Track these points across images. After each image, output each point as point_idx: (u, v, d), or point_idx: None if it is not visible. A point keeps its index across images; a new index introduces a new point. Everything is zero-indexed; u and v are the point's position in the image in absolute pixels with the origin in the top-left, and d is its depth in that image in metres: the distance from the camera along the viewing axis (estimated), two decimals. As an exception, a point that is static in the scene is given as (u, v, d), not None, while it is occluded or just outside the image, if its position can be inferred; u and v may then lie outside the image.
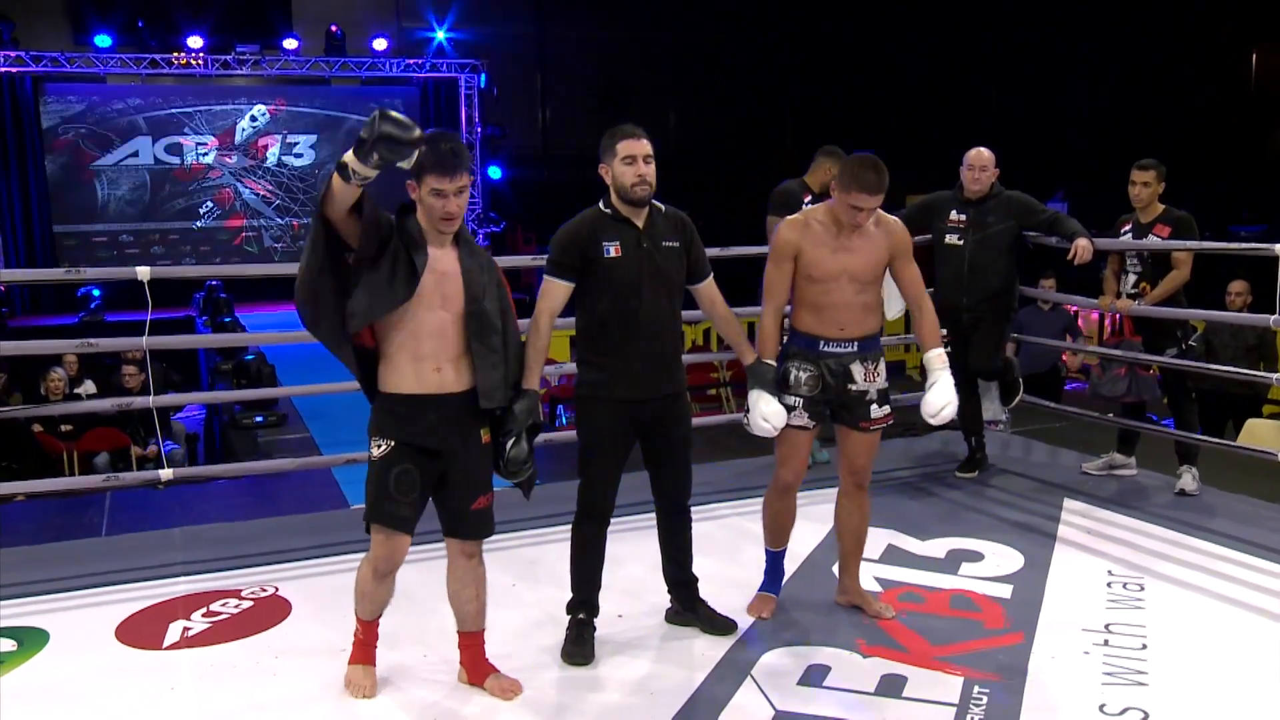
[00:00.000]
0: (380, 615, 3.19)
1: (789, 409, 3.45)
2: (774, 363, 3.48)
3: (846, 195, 3.35)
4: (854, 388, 3.49)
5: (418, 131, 2.66)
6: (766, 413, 3.38)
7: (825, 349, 3.47)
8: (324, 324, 2.94)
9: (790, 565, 3.98)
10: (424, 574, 3.73)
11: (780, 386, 3.47)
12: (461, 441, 3.03)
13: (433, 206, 2.92)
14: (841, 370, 3.48)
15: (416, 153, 2.71)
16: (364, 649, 3.20)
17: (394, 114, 2.63)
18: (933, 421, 3.50)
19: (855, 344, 3.48)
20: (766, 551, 3.74)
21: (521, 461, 3.08)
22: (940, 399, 3.45)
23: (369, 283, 2.89)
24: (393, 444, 2.97)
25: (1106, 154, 14.42)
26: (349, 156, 2.67)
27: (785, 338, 3.61)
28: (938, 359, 3.50)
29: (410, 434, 2.97)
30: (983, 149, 5.12)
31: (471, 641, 3.22)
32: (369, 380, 3.05)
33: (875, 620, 3.60)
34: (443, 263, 2.98)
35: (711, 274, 3.50)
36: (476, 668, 3.21)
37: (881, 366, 3.56)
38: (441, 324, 2.97)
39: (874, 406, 3.53)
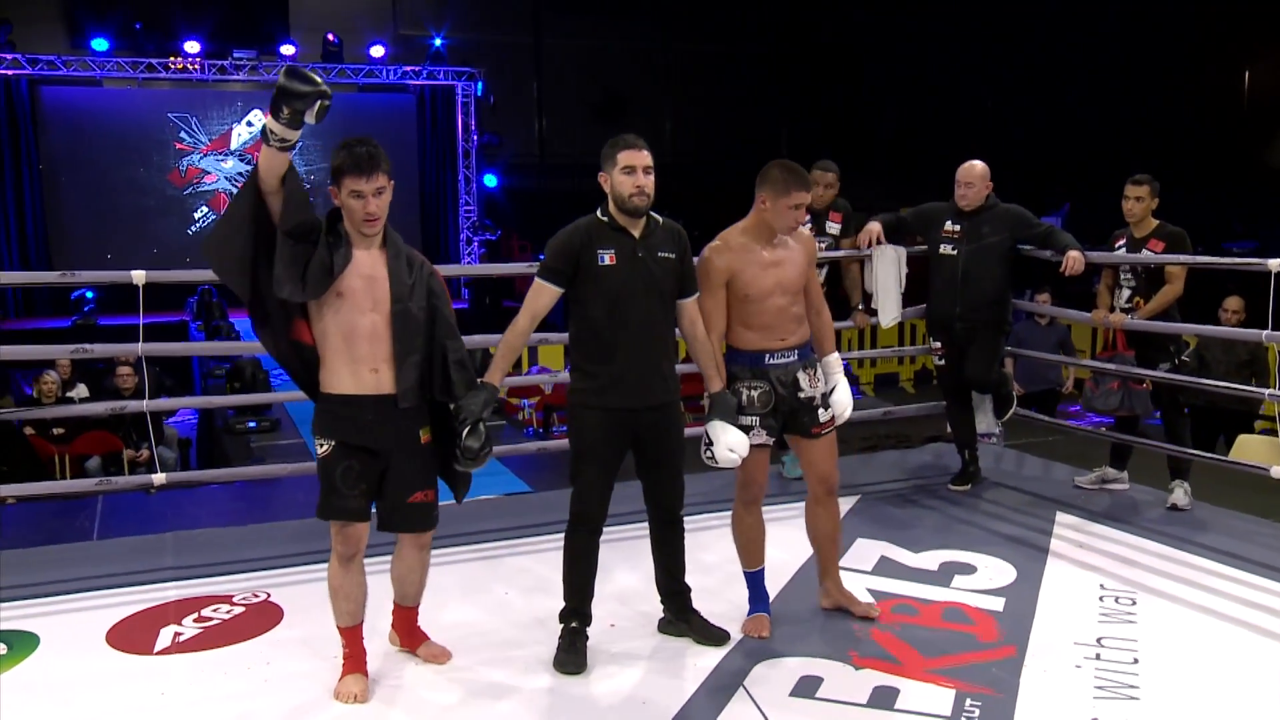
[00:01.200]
0: (359, 621, 3.20)
1: (746, 429, 3.48)
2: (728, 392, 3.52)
3: (786, 198, 3.44)
4: (803, 395, 3.58)
5: (319, 81, 2.76)
6: (732, 443, 3.41)
7: (771, 361, 3.55)
8: (235, 274, 2.99)
9: (782, 577, 3.99)
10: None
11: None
12: (398, 442, 3.11)
13: (353, 209, 3.01)
14: (790, 380, 3.57)
15: (319, 104, 2.77)
16: (353, 660, 3.21)
17: (295, 67, 2.78)
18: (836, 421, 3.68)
19: (796, 352, 3.58)
20: (745, 574, 3.72)
21: (476, 450, 3.12)
22: (842, 400, 3.67)
23: (293, 258, 2.93)
24: (334, 444, 3.08)
25: (1101, 170, 14.49)
26: (266, 119, 2.80)
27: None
28: (835, 363, 3.70)
29: (349, 434, 3.07)
30: (974, 163, 5.13)
31: (409, 614, 3.42)
32: (309, 377, 3.13)
33: (868, 631, 3.60)
34: (370, 266, 3.06)
35: (697, 293, 3.48)
36: (410, 635, 3.42)
37: (819, 371, 3.66)
38: (374, 326, 3.05)
39: (820, 411, 3.63)
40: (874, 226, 5.36)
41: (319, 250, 2.96)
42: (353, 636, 3.20)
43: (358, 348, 3.04)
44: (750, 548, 3.69)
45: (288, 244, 2.92)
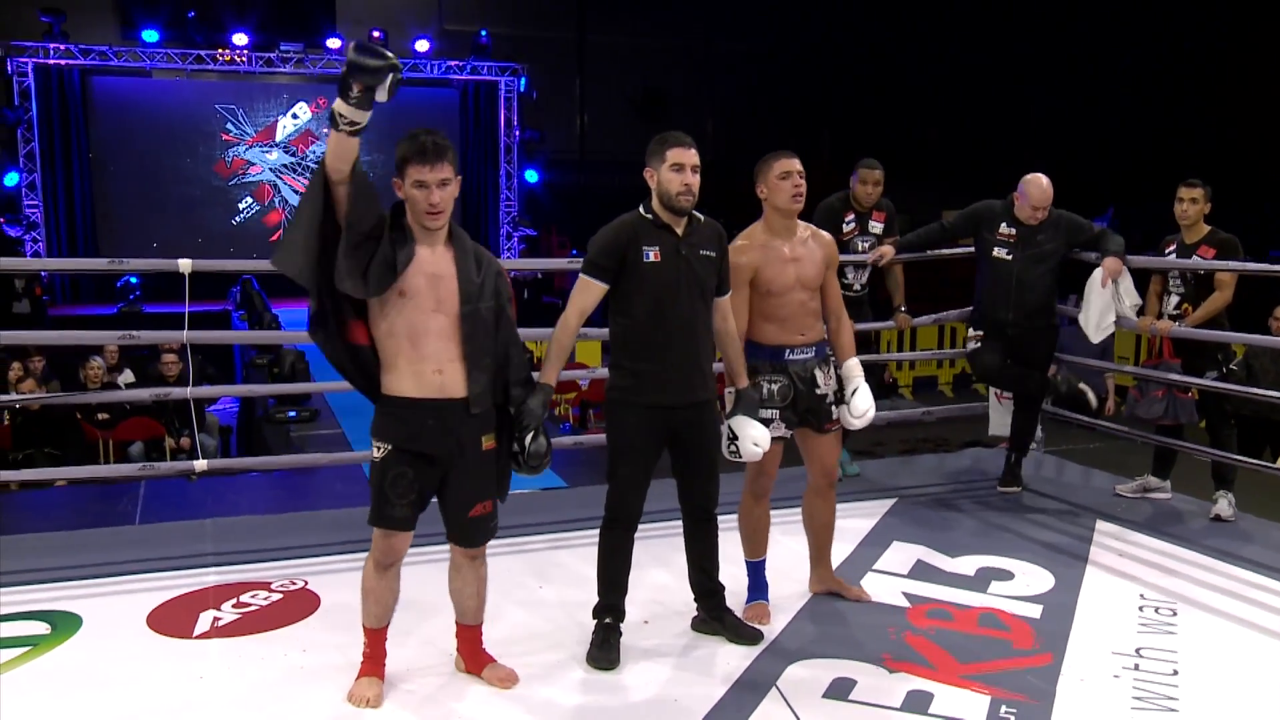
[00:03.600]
0: (386, 624, 3.15)
1: (766, 422, 3.52)
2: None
3: (772, 171, 3.56)
4: (818, 391, 3.65)
5: (389, 54, 2.66)
6: (757, 437, 3.44)
7: (790, 357, 3.62)
8: (307, 272, 2.89)
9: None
10: (426, 576, 3.71)
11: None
12: (460, 449, 3.01)
13: (416, 199, 2.90)
14: (808, 376, 3.63)
15: (391, 78, 2.67)
16: (372, 662, 3.15)
17: (364, 42, 2.67)
18: (856, 424, 3.70)
19: (814, 349, 3.64)
20: (748, 563, 3.78)
21: (542, 455, 3.08)
22: (864, 403, 3.67)
23: (356, 252, 2.83)
24: (390, 448, 2.98)
25: (1146, 176, 14.29)
26: (336, 103, 2.70)
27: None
28: (856, 367, 3.71)
29: (407, 439, 2.97)
30: (1045, 183, 4.95)
31: (470, 634, 3.26)
32: (369, 379, 3.04)
33: (902, 634, 3.58)
34: (435, 264, 2.95)
35: (730, 292, 3.49)
36: (475, 658, 3.26)
37: (833, 369, 3.71)
38: (440, 327, 2.95)
39: (833, 408, 3.69)
40: (887, 249, 5.29)
41: (382, 245, 2.85)
42: (376, 638, 3.14)
43: (422, 348, 2.93)
44: (756, 538, 3.76)
45: (351, 236, 2.81)
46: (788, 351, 3.61)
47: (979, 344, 5.15)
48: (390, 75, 2.66)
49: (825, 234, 3.75)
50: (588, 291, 3.32)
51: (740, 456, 3.47)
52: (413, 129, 2.91)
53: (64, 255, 16.22)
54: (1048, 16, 18.41)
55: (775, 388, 3.59)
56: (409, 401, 2.96)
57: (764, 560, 3.78)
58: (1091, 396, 5.00)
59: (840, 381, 3.72)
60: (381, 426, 3.01)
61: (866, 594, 3.89)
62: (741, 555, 3.80)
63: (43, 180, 16.39)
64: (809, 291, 3.63)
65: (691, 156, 3.26)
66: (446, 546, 3.19)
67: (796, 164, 3.59)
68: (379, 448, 3.00)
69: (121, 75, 17.02)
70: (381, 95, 2.69)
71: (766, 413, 3.56)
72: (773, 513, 3.82)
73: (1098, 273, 5.07)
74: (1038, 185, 4.98)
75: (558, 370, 3.30)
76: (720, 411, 3.52)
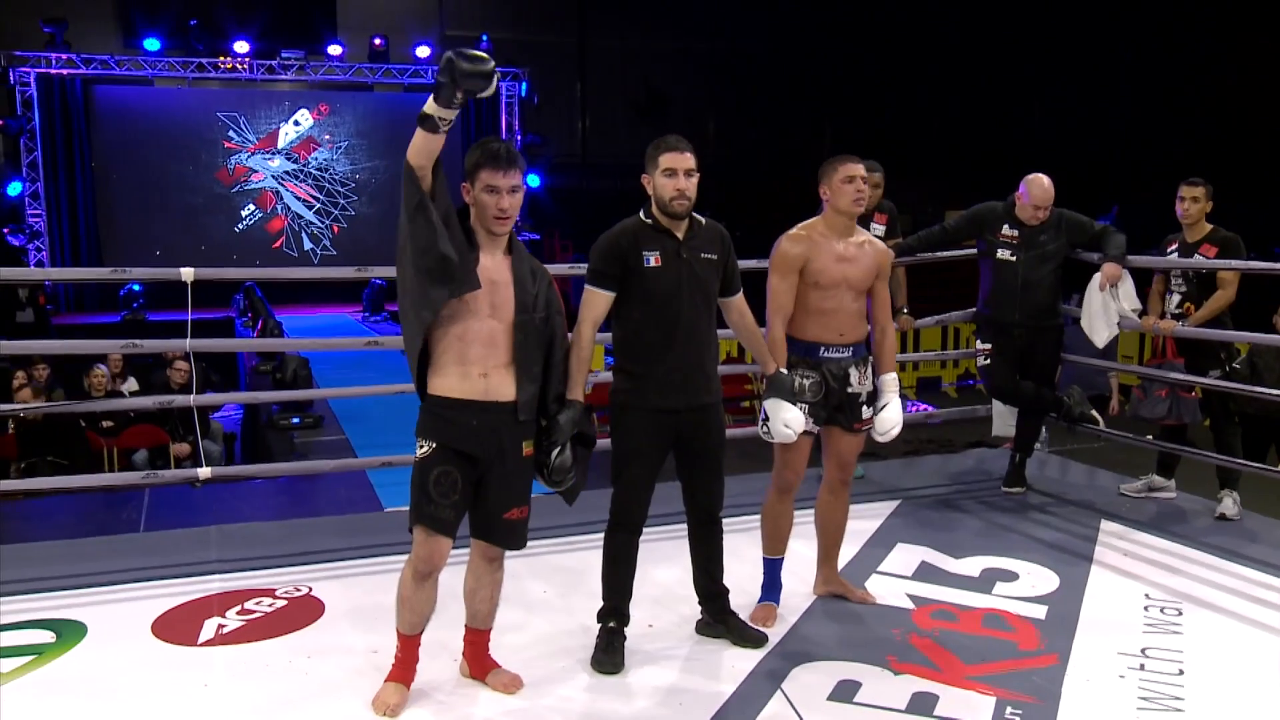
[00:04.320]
0: (421, 631, 3.13)
1: None
2: (787, 372, 3.59)
3: (837, 174, 3.62)
4: (851, 390, 3.67)
5: (491, 62, 2.72)
6: (788, 419, 3.47)
7: (826, 354, 3.65)
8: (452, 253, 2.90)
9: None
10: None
11: None
12: (500, 451, 3.03)
13: (486, 204, 2.96)
14: (842, 374, 3.66)
15: (495, 78, 2.74)
16: (402, 668, 3.13)
17: (466, 50, 2.70)
18: (880, 439, 3.75)
19: (851, 349, 3.68)
20: (765, 560, 3.79)
21: (566, 470, 3.09)
22: (895, 417, 3.70)
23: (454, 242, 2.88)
24: (434, 446, 2.99)
25: (1148, 174, 14.28)
26: (430, 106, 2.75)
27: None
28: (892, 382, 3.74)
29: (451, 437, 2.98)
30: (1046, 183, 4.95)
31: (478, 638, 3.27)
32: (421, 378, 3.07)
33: (907, 636, 3.57)
34: (494, 270, 2.99)
35: (741, 290, 3.52)
36: (479, 662, 3.27)
37: (869, 370, 3.73)
38: (492, 332, 2.99)
39: (864, 408, 3.72)
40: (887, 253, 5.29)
41: (461, 241, 2.89)
42: (409, 644, 3.12)
43: (471, 351, 2.97)
44: (776, 534, 3.76)
45: (441, 216, 2.87)
46: (823, 349, 3.65)
47: (989, 360, 5.14)
48: (495, 76, 2.74)
49: (881, 244, 3.80)
50: (596, 301, 3.33)
51: (772, 437, 3.52)
52: (483, 137, 2.96)
53: (67, 264, 16.24)
54: (1050, 14, 18.39)
55: (808, 383, 3.62)
56: (454, 402, 2.99)
57: (781, 560, 3.77)
58: (1099, 419, 5.04)
59: (875, 386, 3.72)
60: (427, 425, 3.03)
61: (871, 596, 3.89)
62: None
63: (46, 189, 16.43)
64: (855, 293, 3.67)
65: (685, 160, 3.27)
66: (462, 550, 3.16)
67: (861, 169, 3.66)
68: (422, 445, 3.02)
69: (123, 84, 17.07)
70: (488, 93, 2.77)
71: (798, 407, 3.56)
72: None
73: (1097, 277, 5.07)
74: (1039, 185, 4.97)
75: (583, 384, 3.30)
76: (725, 416, 3.53)
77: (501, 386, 3.01)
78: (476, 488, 3.06)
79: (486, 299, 2.97)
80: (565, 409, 3.14)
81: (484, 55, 2.71)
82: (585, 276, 3.37)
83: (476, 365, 2.98)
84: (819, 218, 3.72)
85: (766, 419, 3.51)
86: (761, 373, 3.63)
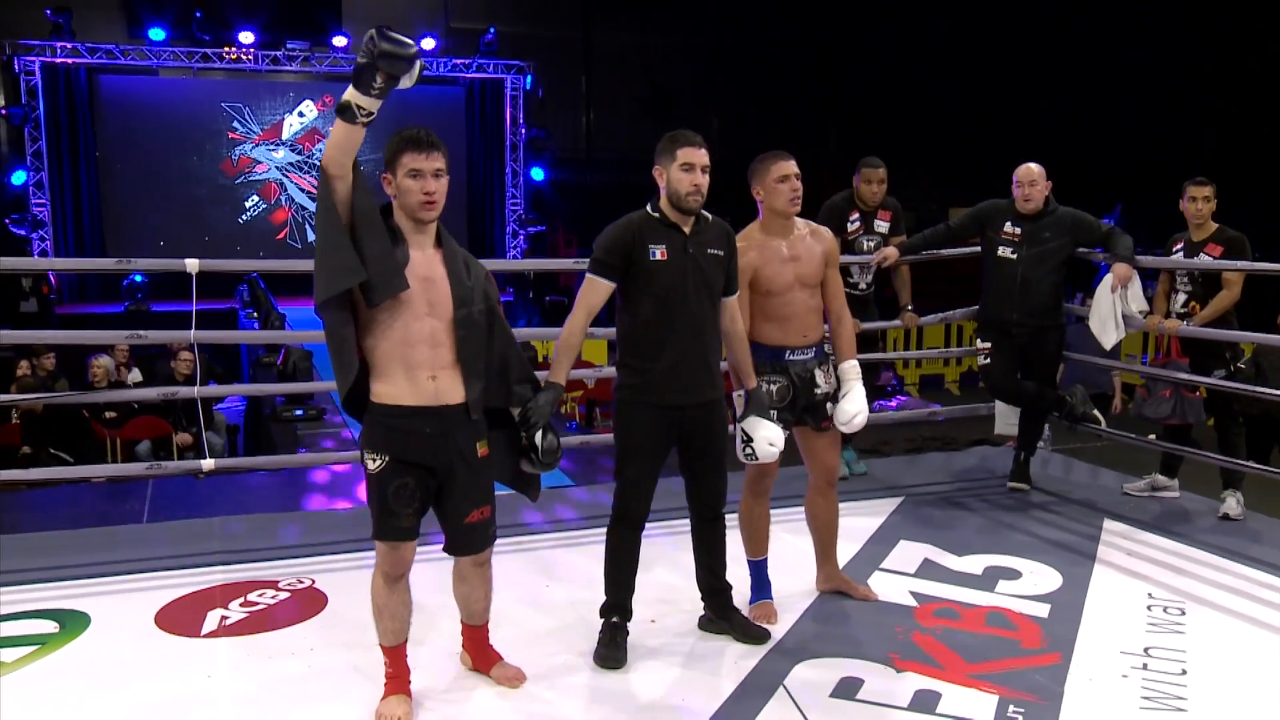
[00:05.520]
0: (403, 640, 3.06)
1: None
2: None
3: (769, 175, 3.54)
4: (818, 391, 3.66)
5: (415, 47, 2.60)
6: (772, 437, 3.46)
7: (791, 357, 3.62)
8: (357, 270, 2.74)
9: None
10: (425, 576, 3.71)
11: None
12: (457, 456, 2.93)
13: (410, 189, 2.80)
14: (808, 375, 3.64)
15: (418, 65, 2.62)
16: (395, 681, 3.06)
17: (389, 30, 2.56)
18: (844, 429, 3.70)
19: (814, 349, 3.65)
20: (750, 562, 3.78)
21: (555, 451, 3.07)
22: (854, 407, 3.64)
23: (373, 245, 2.73)
24: (387, 460, 2.88)
25: (1152, 173, 14.24)
26: (350, 93, 2.61)
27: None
28: (852, 370, 3.69)
29: (403, 450, 2.88)
30: (1031, 165, 5.00)
31: (477, 633, 3.26)
32: (355, 388, 2.90)
33: (909, 634, 3.57)
34: (426, 267, 2.86)
35: (737, 292, 3.49)
36: (482, 655, 3.26)
37: (832, 368, 3.70)
38: (433, 331, 2.87)
39: (829, 406, 3.69)
40: (890, 251, 5.30)
41: (384, 242, 2.75)
42: (396, 656, 3.06)
43: (415, 354, 2.84)
44: (757, 536, 3.77)
45: (363, 226, 2.73)
46: (788, 352, 3.62)
47: (989, 359, 5.13)
48: (418, 61, 2.61)
49: (825, 230, 3.74)
50: (595, 290, 3.31)
51: (757, 458, 3.47)
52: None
53: (71, 253, 16.24)
54: (1054, 13, 18.35)
55: (775, 388, 3.59)
56: (405, 410, 2.87)
57: (765, 559, 3.78)
58: (1101, 419, 5.02)
59: (839, 381, 3.70)
60: (375, 438, 2.90)
61: (873, 593, 3.89)
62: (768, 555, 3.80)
63: (50, 179, 16.42)
64: (809, 290, 3.63)
65: (702, 156, 3.26)
66: (440, 544, 3.12)
67: (793, 166, 3.57)
68: (374, 459, 2.89)
69: (128, 74, 17.04)
70: (407, 82, 2.63)
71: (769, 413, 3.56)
72: (778, 511, 3.84)
73: (1108, 278, 5.06)
74: (1022, 167, 5.00)
75: (567, 370, 3.30)
76: (731, 414, 3.52)
77: (451, 389, 2.90)
78: (437, 497, 2.98)
79: (423, 297, 2.84)
80: (544, 391, 3.11)
81: (408, 40, 2.57)
82: (587, 265, 3.35)
83: (424, 369, 2.86)
84: (756, 223, 3.65)
85: (748, 440, 3.46)
86: (738, 381, 3.55)
